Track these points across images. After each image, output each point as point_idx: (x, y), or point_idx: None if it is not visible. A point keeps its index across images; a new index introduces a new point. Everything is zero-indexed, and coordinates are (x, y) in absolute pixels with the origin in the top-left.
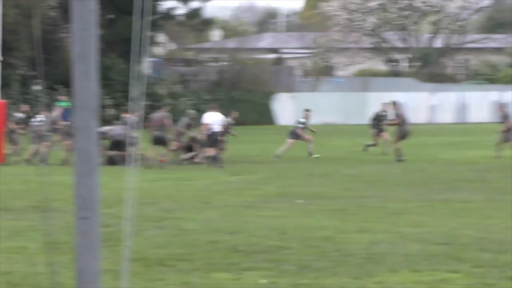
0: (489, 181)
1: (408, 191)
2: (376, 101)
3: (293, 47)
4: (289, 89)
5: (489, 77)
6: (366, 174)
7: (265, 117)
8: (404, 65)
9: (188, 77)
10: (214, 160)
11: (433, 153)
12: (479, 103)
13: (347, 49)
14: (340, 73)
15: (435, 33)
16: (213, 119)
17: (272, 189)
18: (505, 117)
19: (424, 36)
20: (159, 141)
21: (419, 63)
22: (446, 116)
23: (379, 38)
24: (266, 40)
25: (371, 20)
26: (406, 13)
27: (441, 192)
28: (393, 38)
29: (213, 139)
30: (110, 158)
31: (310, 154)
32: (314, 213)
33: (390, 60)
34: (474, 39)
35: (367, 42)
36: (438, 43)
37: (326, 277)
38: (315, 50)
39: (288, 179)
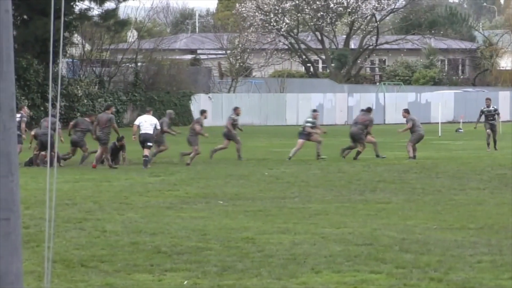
0: (408, 182)
1: (328, 192)
2: (293, 102)
3: (209, 48)
4: (207, 89)
5: (405, 78)
6: (286, 175)
7: (183, 117)
8: (320, 66)
9: (105, 78)
10: (144, 161)
11: (352, 154)
12: (396, 104)
13: (263, 50)
14: (256, 74)
15: (350, 34)
16: (143, 121)
17: (193, 190)
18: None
19: (340, 37)
20: (101, 141)
21: (335, 64)
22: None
23: (294, 39)
24: (182, 41)
25: (286, 21)
26: (320, 14)
27: (361, 193)
28: (309, 39)
29: (141, 141)
30: (30, 159)
31: (318, 155)
32: (235, 214)
33: (306, 61)
34: (389, 40)
35: (283, 43)
36: (354, 44)
37: (249, 278)
38: (231, 51)
39: (208, 180)
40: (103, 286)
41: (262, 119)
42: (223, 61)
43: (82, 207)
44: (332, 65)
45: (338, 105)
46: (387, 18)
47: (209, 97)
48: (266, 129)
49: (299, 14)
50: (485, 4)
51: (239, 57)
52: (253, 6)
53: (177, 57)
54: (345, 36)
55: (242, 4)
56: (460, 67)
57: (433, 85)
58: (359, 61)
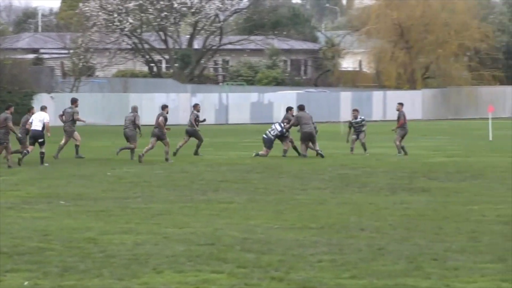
0: (251, 181)
1: (171, 192)
2: (136, 102)
3: (52, 48)
4: (49, 89)
5: (248, 78)
6: (129, 175)
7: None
8: (164, 66)
9: None
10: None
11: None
12: (239, 104)
13: (106, 49)
14: (100, 73)
15: (194, 34)
16: (35, 118)
17: (34, 190)
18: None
19: (183, 37)
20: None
21: (179, 64)
22: (208, 117)
23: (138, 39)
24: (25, 40)
25: (130, 21)
26: (164, 14)
27: (204, 193)
28: (153, 39)
29: (31, 137)
30: None
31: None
32: (77, 214)
33: (150, 61)
34: (232, 40)
35: (126, 43)
36: (197, 44)
37: (90, 279)
38: (74, 51)
39: (51, 180)
40: None
41: (105, 119)
42: (66, 61)
43: None
44: (176, 65)
45: (182, 105)
46: (231, 18)
47: (51, 96)
48: (109, 129)
49: (142, 14)
50: (327, 5)
51: (82, 56)
52: (97, 5)
53: (20, 56)
54: (188, 36)
55: (86, 4)
56: (302, 68)
57: (275, 86)
58: (202, 61)
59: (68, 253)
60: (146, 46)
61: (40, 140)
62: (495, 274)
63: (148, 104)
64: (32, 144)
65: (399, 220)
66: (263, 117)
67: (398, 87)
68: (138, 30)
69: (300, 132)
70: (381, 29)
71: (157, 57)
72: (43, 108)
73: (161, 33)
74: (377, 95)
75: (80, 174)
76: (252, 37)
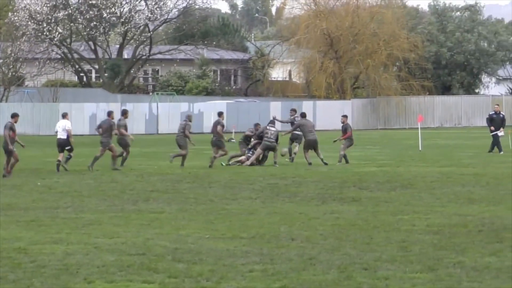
0: (181, 191)
1: (101, 201)
2: (66, 111)
3: None
4: None
5: (178, 88)
6: (59, 184)
7: None
8: (94, 76)
9: None
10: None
11: (126, 164)
12: (169, 114)
13: (36, 59)
14: (29, 83)
15: (123, 44)
16: (59, 127)
17: None
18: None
19: (113, 47)
20: None
21: (109, 74)
22: (138, 127)
23: (67, 49)
24: None
25: (59, 31)
26: (94, 24)
27: (134, 203)
28: (82, 48)
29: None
30: None
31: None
32: (7, 225)
33: (79, 71)
34: (162, 50)
35: (56, 52)
36: (127, 54)
37: None
38: (3, 60)
39: None
40: None
41: (34, 128)
42: None
43: None
44: (105, 74)
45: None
46: (160, 28)
47: None
48: (38, 139)
49: (72, 24)
50: (257, 15)
51: (11, 66)
52: (26, 15)
53: None
54: (118, 46)
55: (15, 13)
56: (232, 78)
57: (206, 95)
58: (132, 71)
59: None
60: (75, 55)
61: (67, 148)
62: (426, 284)
63: (77, 114)
64: (61, 152)
65: (330, 230)
66: (193, 127)
67: (328, 97)
68: (68, 40)
69: (303, 140)
70: (311, 39)
71: (86, 66)
72: (65, 115)
73: (90, 42)
74: (307, 105)
75: (9, 184)
76: (182, 47)
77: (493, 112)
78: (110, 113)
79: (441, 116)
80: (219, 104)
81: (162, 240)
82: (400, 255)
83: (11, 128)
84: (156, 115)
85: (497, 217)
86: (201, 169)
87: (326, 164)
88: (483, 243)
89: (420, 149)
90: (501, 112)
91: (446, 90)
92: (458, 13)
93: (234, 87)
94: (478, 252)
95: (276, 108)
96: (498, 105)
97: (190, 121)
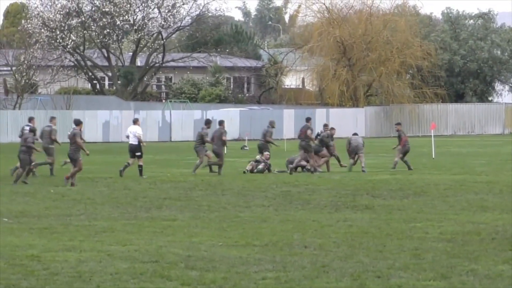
0: (194, 199)
1: (114, 209)
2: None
3: None
4: None
5: (191, 95)
6: (72, 192)
7: None
8: (107, 83)
9: None
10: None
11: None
12: (182, 122)
13: (49, 66)
14: (42, 91)
15: (137, 51)
16: (131, 132)
17: None
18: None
19: (126, 54)
20: None
21: (122, 81)
22: (151, 134)
23: (81, 56)
24: None
25: (73, 38)
26: (107, 31)
27: (147, 210)
28: (95, 56)
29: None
30: None
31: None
32: (20, 232)
33: (92, 78)
34: (175, 58)
35: (69, 60)
36: (140, 61)
37: None
38: (16, 68)
39: None
40: None
41: None
42: (9, 78)
43: None
44: (119, 82)
45: (124, 122)
46: (173, 35)
47: None
48: None
49: (85, 31)
50: (270, 22)
51: (24, 73)
52: (39, 22)
53: None
54: (131, 53)
55: (28, 21)
56: (245, 85)
57: (219, 103)
58: (145, 79)
59: (11, 271)
60: (89, 63)
61: (137, 154)
62: None
63: (91, 121)
64: (132, 157)
65: (343, 238)
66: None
67: (341, 105)
68: (81, 47)
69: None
70: (324, 47)
71: (100, 74)
72: (135, 121)
73: (104, 50)
74: (320, 112)
75: (23, 192)
76: (195, 55)
77: None
78: (221, 122)
79: (454, 124)
80: (232, 111)
81: (175, 248)
82: (413, 263)
83: (80, 136)
84: (169, 123)
85: (511, 225)
86: (214, 177)
87: (328, 170)
88: (496, 251)
89: (433, 156)
90: None
91: (459, 98)
92: (472, 21)
93: (247, 94)
94: (491, 260)
95: (289, 116)
96: None
97: (273, 127)
